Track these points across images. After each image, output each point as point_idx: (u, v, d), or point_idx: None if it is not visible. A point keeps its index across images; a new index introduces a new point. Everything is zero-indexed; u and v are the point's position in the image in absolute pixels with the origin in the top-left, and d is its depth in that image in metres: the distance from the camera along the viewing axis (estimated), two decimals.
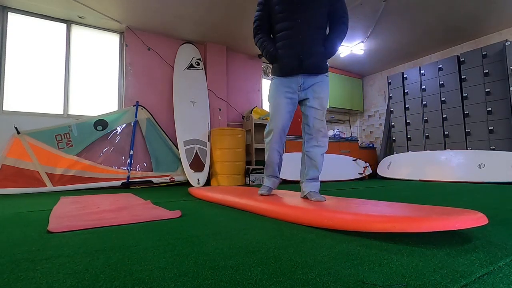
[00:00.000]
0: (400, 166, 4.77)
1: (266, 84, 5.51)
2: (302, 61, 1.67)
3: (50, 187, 3.17)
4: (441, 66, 4.68)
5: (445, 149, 4.56)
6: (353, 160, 5.09)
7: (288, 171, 4.23)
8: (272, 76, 1.85)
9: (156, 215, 1.44)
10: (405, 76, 5.22)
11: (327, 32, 1.79)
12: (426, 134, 4.85)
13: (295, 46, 1.68)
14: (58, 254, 0.84)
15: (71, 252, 0.86)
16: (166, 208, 1.68)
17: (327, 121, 6.12)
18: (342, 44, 4.76)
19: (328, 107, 5.62)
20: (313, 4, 1.68)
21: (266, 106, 5.37)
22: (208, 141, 4.07)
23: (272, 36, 1.84)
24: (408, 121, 5.11)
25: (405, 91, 5.18)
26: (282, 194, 2.00)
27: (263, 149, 4.69)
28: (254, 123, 4.51)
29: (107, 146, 3.63)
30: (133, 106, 3.94)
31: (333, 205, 1.39)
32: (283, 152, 1.96)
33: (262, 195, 1.88)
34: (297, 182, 4.14)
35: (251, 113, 4.65)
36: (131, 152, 3.70)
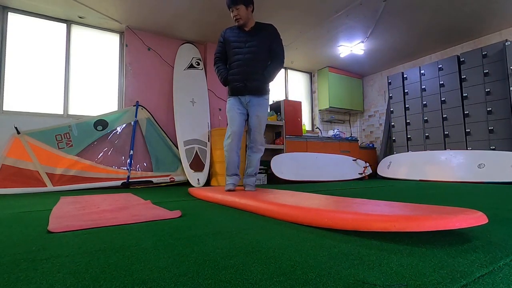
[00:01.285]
0: (400, 166, 4.77)
1: None
2: (246, 84, 2.23)
3: (50, 187, 3.17)
4: (441, 66, 4.68)
5: (445, 149, 4.56)
6: (353, 160, 5.09)
7: (288, 171, 4.23)
8: (228, 96, 2.38)
9: (156, 215, 1.44)
10: (405, 76, 5.22)
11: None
12: (426, 134, 4.85)
13: (242, 74, 2.24)
14: (58, 254, 0.84)
15: (71, 252, 0.86)
16: (166, 208, 1.68)
17: (327, 121, 6.21)
18: (342, 44, 4.80)
19: (328, 107, 5.71)
20: (256, 44, 2.23)
21: None
22: (208, 141, 4.07)
23: (227, 65, 2.39)
24: (408, 121, 5.11)
25: (405, 91, 5.18)
26: (282, 194, 1.99)
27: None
28: None
29: (107, 146, 3.63)
30: (133, 106, 3.94)
31: (333, 205, 1.39)
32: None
33: (229, 190, 2.24)
34: (297, 182, 4.16)
35: None
36: (131, 152, 3.70)
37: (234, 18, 2.24)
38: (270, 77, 2.25)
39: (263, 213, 1.48)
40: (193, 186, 3.51)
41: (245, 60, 2.22)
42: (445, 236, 0.98)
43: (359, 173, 4.94)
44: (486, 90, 4.11)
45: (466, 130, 4.32)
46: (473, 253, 0.80)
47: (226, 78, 2.30)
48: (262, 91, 2.27)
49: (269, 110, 2.10)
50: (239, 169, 2.41)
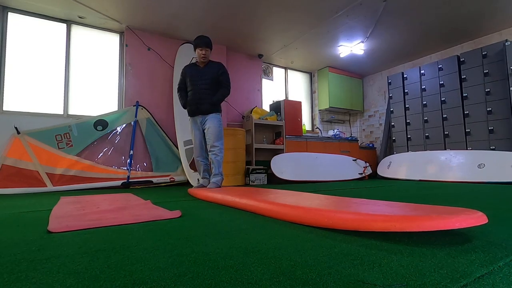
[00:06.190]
0: (400, 166, 4.77)
1: (266, 84, 5.51)
2: (198, 107, 2.80)
3: (50, 187, 3.17)
4: (441, 66, 4.68)
5: (445, 149, 4.56)
6: (353, 160, 5.09)
7: (288, 171, 4.23)
8: (188, 117, 2.94)
9: (156, 215, 1.44)
10: (405, 76, 5.22)
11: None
12: (426, 134, 4.85)
13: (195, 100, 2.81)
14: (58, 254, 0.84)
15: (71, 252, 0.86)
16: (166, 208, 1.68)
17: (327, 121, 6.23)
18: (342, 44, 4.80)
19: (328, 107, 5.71)
20: (205, 77, 2.82)
21: (266, 106, 5.37)
22: None
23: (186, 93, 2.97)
24: (408, 121, 5.11)
25: (405, 91, 5.18)
26: (282, 194, 1.99)
27: (263, 149, 4.71)
28: (254, 123, 4.51)
29: (107, 146, 3.63)
30: (133, 106, 3.94)
31: (333, 205, 1.39)
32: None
33: (200, 186, 2.82)
34: (297, 182, 4.16)
35: (251, 113, 4.65)
36: (131, 152, 3.70)
37: (202, 56, 2.82)
38: (218, 101, 2.83)
39: (263, 213, 1.48)
40: (193, 186, 3.51)
41: (197, 90, 2.81)
42: (445, 236, 0.98)
43: (359, 173, 4.94)
44: (486, 90, 4.11)
45: (466, 130, 4.32)
46: (473, 253, 0.80)
47: (185, 103, 2.90)
48: (211, 112, 2.82)
49: (221, 122, 2.91)
50: (209, 173, 2.97)
